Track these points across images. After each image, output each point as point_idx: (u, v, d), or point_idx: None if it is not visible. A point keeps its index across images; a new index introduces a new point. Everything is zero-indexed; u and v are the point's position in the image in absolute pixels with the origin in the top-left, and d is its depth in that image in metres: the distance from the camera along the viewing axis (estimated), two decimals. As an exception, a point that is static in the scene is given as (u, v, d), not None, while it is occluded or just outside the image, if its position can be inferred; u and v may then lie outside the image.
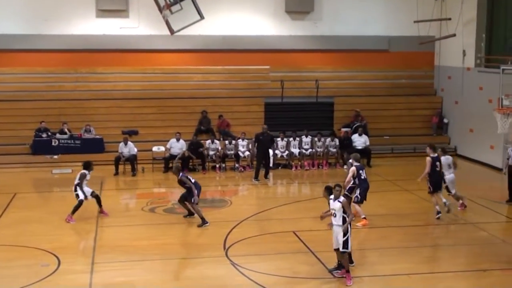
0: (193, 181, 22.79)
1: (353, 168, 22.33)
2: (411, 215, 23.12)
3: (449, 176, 23.32)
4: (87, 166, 23.59)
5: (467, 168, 32.82)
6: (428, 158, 22.41)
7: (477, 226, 22.27)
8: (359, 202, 22.20)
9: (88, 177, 23.55)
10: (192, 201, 22.51)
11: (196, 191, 22.49)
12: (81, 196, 23.14)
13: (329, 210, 17.62)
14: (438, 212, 22.19)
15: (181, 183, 22.79)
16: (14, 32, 34.13)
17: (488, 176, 30.31)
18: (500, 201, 25.53)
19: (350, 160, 23.07)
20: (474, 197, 25.68)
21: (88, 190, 23.59)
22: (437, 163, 22.53)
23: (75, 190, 23.19)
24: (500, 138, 30.17)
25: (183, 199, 22.93)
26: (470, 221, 22.42)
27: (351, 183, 22.38)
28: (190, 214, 23.11)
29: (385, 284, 17.37)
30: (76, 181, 23.15)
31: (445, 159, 23.25)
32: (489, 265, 18.57)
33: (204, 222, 22.35)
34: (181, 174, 22.79)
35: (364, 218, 22.24)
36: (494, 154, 31.85)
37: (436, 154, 22.67)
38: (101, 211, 23.77)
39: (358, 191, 22.31)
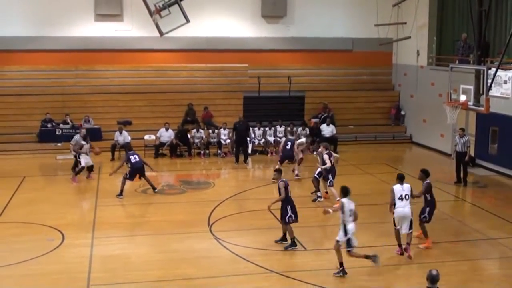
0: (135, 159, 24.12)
1: (326, 156, 22.59)
2: (373, 195, 23.27)
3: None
4: (84, 137, 27.04)
5: (421, 154, 33.10)
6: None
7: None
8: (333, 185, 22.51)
9: (85, 147, 26.03)
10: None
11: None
12: (83, 163, 25.79)
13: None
14: None
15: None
16: (21, 35, 33.88)
17: (438, 161, 30.51)
18: (448, 182, 25.79)
19: (320, 149, 23.27)
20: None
21: (87, 159, 26.01)
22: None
23: (78, 157, 26.15)
24: (449, 127, 30.43)
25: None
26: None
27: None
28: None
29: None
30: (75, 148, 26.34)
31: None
32: (439, 238, 18.79)
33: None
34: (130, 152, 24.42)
35: (338, 200, 22.24)
36: (444, 141, 32.10)
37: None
38: (88, 176, 26.43)
39: (331, 176, 22.54)
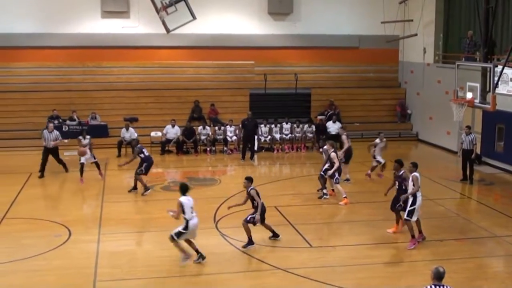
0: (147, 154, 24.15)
1: (334, 154, 22.62)
2: (378, 193, 23.19)
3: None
4: (81, 133, 28.06)
5: (427, 151, 33.10)
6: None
7: (435, 201, 22.47)
8: (339, 183, 22.63)
9: (84, 142, 26.19)
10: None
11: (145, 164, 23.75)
12: (82, 160, 25.59)
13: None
14: None
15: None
16: (29, 31, 33.99)
17: (445, 158, 30.51)
18: (454, 180, 25.79)
19: (325, 147, 23.22)
20: (433, 177, 25.90)
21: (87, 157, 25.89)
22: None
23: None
24: (455, 125, 30.46)
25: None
26: (429, 197, 22.55)
27: (327, 165, 22.71)
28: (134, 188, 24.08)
29: (354, 252, 17.61)
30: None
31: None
32: (445, 236, 18.82)
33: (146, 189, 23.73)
34: (139, 146, 24.24)
35: (345, 197, 22.43)
36: (450, 139, 32.09)
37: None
38: (99, 173, 26.19)
39: (337, 173, 22.56)
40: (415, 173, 17.92)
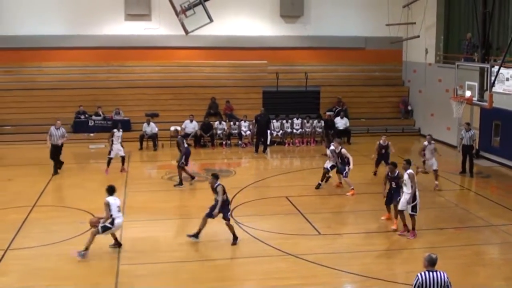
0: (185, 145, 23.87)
1: (344, 150, 22.56)
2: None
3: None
4: (116, 125, 27.05)
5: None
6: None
7: (436, 193, 22.54)
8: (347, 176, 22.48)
9: (116, 134, 25.61)
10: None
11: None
12: (112, 155, 25.48)
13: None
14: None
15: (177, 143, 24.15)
16: (57, 33, 34.13)
17: (445, 152, 30.34)
18: (454, 172, 25.76)
19: (332, 147, 22.82)
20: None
21: (118, 148, 25.59)
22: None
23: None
24: (455, 121, 30.38)
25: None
26: (430, 188, 22.63)
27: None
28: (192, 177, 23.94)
29: (360, 239, 17.67)
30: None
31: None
32: (445, 225, 18.84)
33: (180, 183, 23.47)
34: (179, 137, 24.28)
35: (352, 189, 22.40)
36: (450, 134, 32.00)
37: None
38: (122, 169, 25.73)
39: (347, 168, 22.41)
40: (410, 170, 17.81)
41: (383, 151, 24.85)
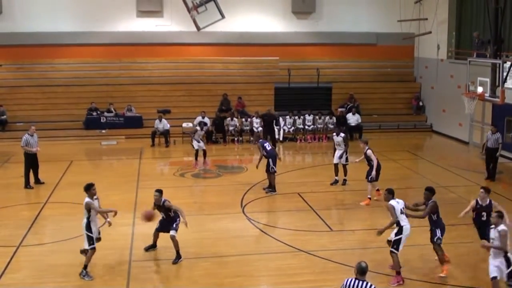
0: (268, 148, 22.46)
1: (370, 151, 21.07)
2: (395, 180, 23.06)
3: None
4: (199, 124, 28.57)
5: (440, 142, 32.93)
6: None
7: (448, 189, 22.39)
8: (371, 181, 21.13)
9: (199, 132, 26.92)
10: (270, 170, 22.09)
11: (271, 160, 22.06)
12: (196, 146, 26.73)
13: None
14: None
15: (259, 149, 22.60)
16: (70, 30, 34.20)
17: (457, 149, 30.34)
18: (465, 168, 25.58)
19: (361, 146, 21.69)
20: (446, 166, 25.83)
21: (198, 144, 26.73)
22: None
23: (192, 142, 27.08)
24: (467, 117, 30.28)
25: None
26: (442, 185, 22.49)
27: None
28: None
29: (372, 236, 17.59)
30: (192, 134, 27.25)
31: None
32: (457, 221, 18.71)
33: (271, 189, 22.07)
34: (260, 141, 22.90)
35: (369, 198, 20.97)
36: (462, 130, 31.90)
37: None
38: (204, 162, 26.85)
39: (373, 172, 21.01)
40: (390, 203, 15.37)
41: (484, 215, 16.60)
